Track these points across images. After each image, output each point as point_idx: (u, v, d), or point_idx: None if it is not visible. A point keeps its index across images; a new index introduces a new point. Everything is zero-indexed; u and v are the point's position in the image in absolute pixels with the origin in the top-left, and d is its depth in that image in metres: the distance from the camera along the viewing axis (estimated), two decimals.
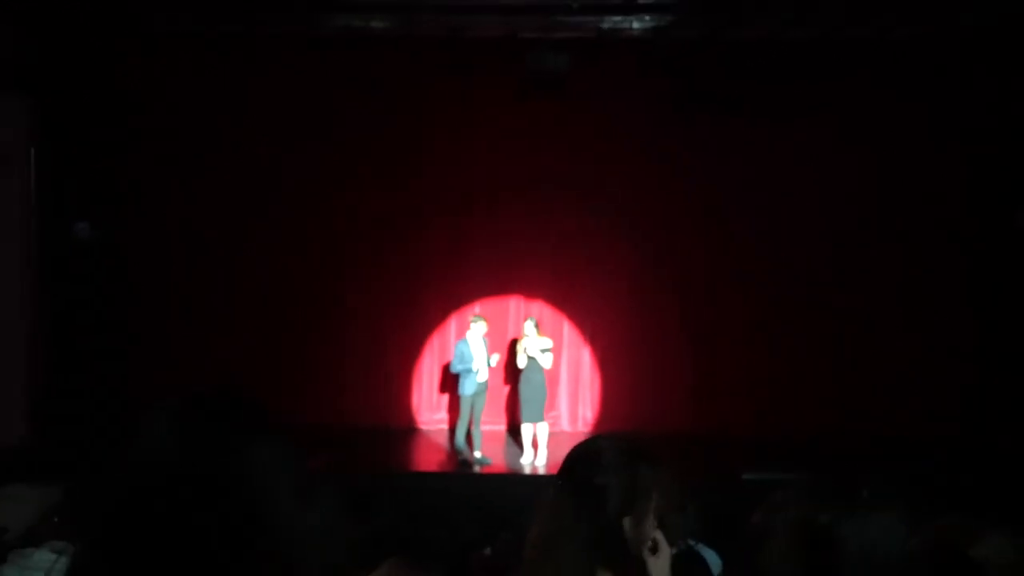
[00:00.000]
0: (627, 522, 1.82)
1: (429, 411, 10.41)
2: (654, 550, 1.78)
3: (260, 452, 1.08)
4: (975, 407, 9.47)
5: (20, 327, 8.74)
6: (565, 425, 10.32)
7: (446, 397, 10.27)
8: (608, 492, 1.81)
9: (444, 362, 10.07)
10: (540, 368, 8.95)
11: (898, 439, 9.03)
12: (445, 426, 10.19)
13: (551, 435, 9.15)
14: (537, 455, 8.99)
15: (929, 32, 7.93)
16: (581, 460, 1.89)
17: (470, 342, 8.90)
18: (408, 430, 10.24)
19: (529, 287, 10.34)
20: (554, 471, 1.90)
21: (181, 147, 9.88)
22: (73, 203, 9.11)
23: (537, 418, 8.94)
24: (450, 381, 9.57)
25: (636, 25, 8.51)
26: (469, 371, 8.79)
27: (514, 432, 9.67)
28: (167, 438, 1.07)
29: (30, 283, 8.82)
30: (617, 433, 2.14)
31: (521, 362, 8.98)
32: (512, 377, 9.80)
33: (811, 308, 9.88)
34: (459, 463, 8.93)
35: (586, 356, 10.43)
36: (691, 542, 4.75)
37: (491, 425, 9.71)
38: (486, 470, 8.84)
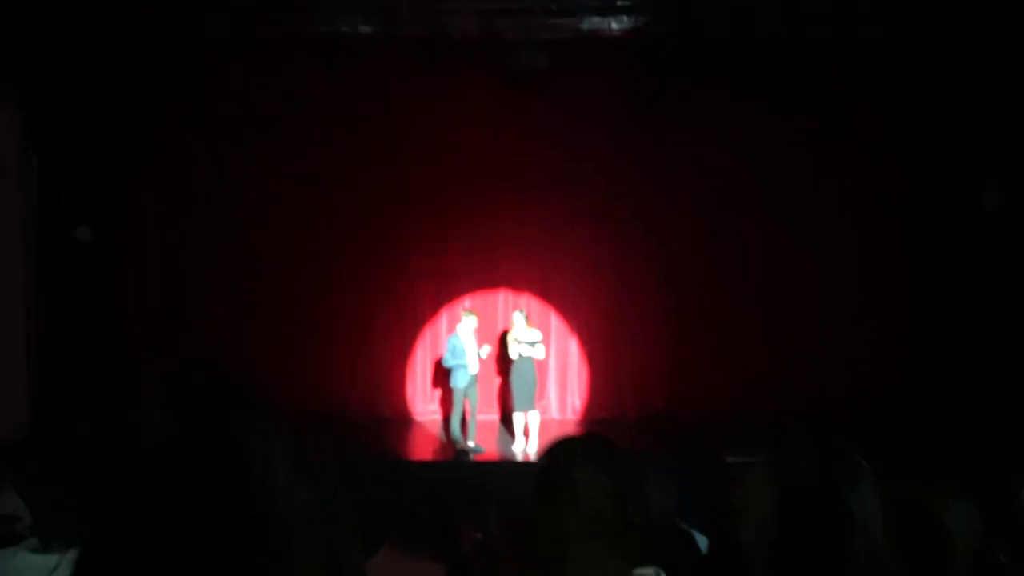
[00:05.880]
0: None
1: (423, 403, 10.69)
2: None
3: (257, 432, 1.06)
4: (943, 384, 9.84)
5: (21, 326, 8.98)
6: (555, 413, 10.60)
7: (439, 389, 10.56)
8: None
9: (437, 356, 10.36)
10: (531, 359, 9.24)
11: (872, 414, 9.41)
12: (439, 417, 10.49)
13: (541, 423, 9.44)
14: (528, 443, 9.27)
15: (896, 32, 8.19)
16: (550, 455, 2.06)
17: (461, 336, 9.16)
18: (404, 421, 10.54)
19: (517, 281, 10.62)
20: None
21: (176, 148, 10.14)
22: (74, 207, 9.34)
23: (528, 407, 9.23)
24: (442, 374, 9.84)
25: (614, 25, 8.76)
26: (461, 365, 9.07)
27: (506, 421, 9.96)
28: (163, 419, 1.05)
29: (32, 284, 9.05)
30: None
31: (513, 353, 9.26)
32: (503, 368, 10.11)
33: (788, 293, 10.20)
34: (454, 452, 9.22)
35: (573, 346, 10.72)
36: (676, 521, 5.03)
37: (484, 414, 9.97)
38: (479, 458, 9.13)
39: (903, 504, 2.21)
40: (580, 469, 1.84)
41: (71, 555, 1.96)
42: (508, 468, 8.89)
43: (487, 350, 9.36)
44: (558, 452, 1.91)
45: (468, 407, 9.24)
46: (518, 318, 9.34)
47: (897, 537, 2.03)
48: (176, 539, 0.99)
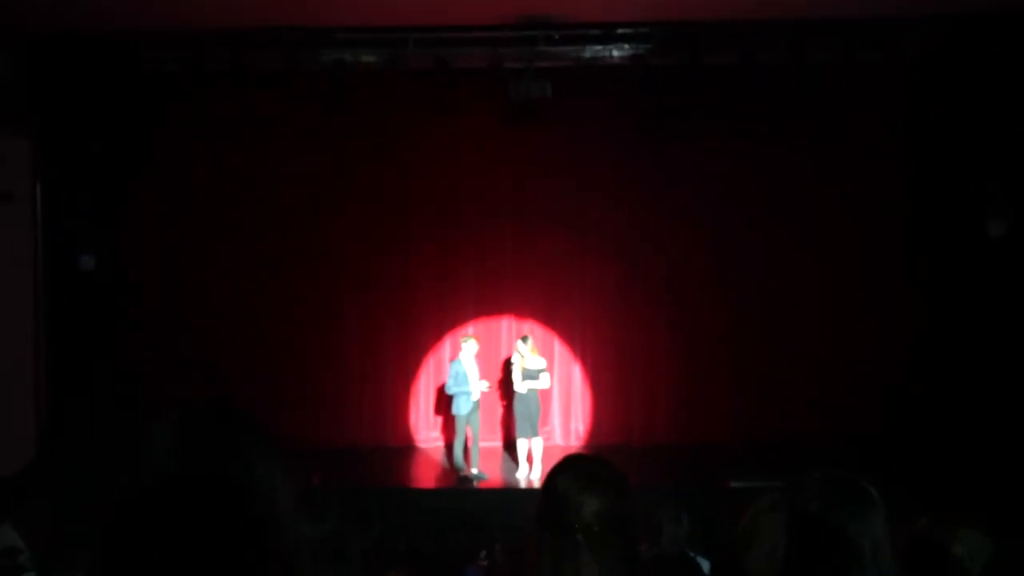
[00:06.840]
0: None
1: (426, 430, 10.65)
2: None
3: (262, 464, 1.08)
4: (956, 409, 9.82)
5: (28, 356, 8.99)
6: (558, 439, 10.55)
7: (442, 416, 10.52)
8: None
9: (439, 383, 10.34)
10: (534, 386, 9.23)
11: (881, 439, 9.38)
12: (441, 444, 10.46)
13: (545, 449, 9.38)
14: (532, 469, 9.22)
15: (896, 54, 8.26)
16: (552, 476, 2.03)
17: (463, 362, 9.16)
18: (407, 448, 10.50)
19: (520, 307, 10.61)
20: None
21: (180, 178, 10.20)
22: (79, 237, 9.37)
23: (532, 433, 9.19)
24: (445, 401, 9.81)
25: (616, 53, 8.84)
26: (464, 392, 9.06)
27: (510, 448, 9.90)
28: (169, 451, 1.06)
29: (38, 315, 9.07)
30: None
31: (520, 387, 9.22)
32: (507, 394, 10.08)
33: (791, 315, 10.19)
34: (457, 479, 9.18)
35: (577, 372, 10.70)
36: (689, 552, 4.97)
37: (487, 441, 9.95)
38: (483, 485, 9.09)
39: (912, 532, 2.21)
40: (579, 489, 1.81)
41: None
42: (512, 495, 8.85)
43: (486, 385, 9.33)
44: (559, 473, 1.89)
45: (471, 434, 9.21)
46: (523, 346, 9.33)
47: (907, 566, 2.04)
48: (181, 571, 0.98)
